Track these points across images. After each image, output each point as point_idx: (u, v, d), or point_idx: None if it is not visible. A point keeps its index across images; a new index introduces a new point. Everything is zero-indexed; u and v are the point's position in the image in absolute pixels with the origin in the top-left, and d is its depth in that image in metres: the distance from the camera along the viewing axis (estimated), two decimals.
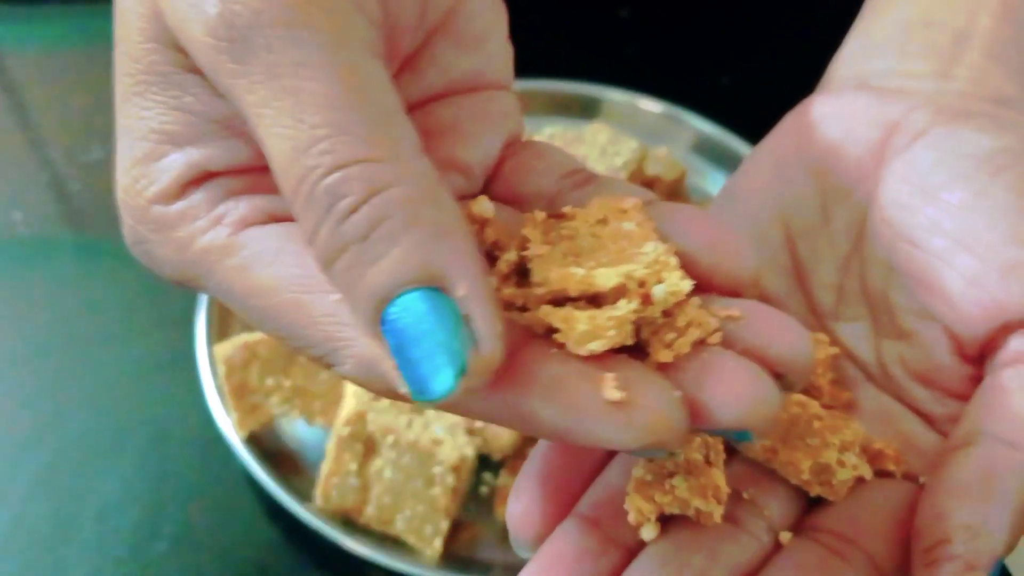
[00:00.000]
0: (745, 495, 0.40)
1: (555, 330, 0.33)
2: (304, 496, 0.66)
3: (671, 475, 0.38)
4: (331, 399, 0.68)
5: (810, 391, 0.43)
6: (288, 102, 0.31)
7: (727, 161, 0.83)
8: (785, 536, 0.39)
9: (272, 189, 0.34)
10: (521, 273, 0.36)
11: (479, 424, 0.66)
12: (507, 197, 0.40)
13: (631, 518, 0.38)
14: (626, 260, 0.35)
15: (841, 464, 0.40)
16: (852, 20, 0.53)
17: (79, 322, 0.78)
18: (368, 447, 0.64)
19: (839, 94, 0.48)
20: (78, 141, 0.89)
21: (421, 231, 0.30)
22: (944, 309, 0.43)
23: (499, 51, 0.42)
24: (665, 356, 0.34)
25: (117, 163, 0.37)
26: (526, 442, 0.67)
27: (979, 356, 0.43)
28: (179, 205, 0.36)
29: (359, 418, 0.63)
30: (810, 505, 0.41)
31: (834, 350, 0.45)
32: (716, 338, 0.35)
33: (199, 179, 0.36)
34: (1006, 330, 0.41)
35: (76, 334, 0.77)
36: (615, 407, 0.31)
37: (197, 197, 0.36)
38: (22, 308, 0.79)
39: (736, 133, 0.84)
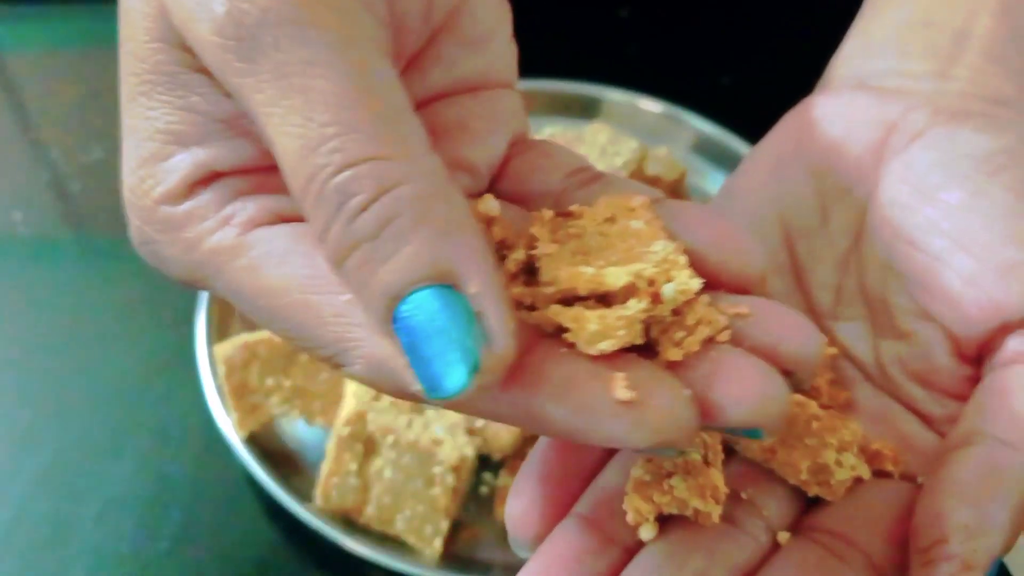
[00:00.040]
0: (743, 495, 0.40)
1: (564, 329, 0.33)
2: (304, 496, 0.66)
3: (669, 475, 0.38)
4: (331, 399, 0.68)
5: (808, 391, 0.43)
6: (297, 101, 0.31)
7: (727, 161, 0.83)
8: (783, 536, 0.39)
9: (280, 189, 0.34)
10: (528, 272, 0.36)
11: (479, 424, 0.66)
12: (513, 196, 0.40)
13: (630, 518, 0.38)
14: (635, 259, 0.35)
15: (839, 464, 0.40)
16: (852, 20, 0.53)
17: (79, 322, 0.78)
18: (368, 447, 0.64)
19: (838, 94, 0.48)
20: (78, 141, 0.89)
21: (432, 228, 0.30)
22: (942, 309, 0.43)
23: (504, 50, 0.42)
24: (675, 355, 0.34)
25: (123, 163, 0.37)
26: (526, 442, 0.67)
27: (977, 356, 0.43)
28: (186, 205, 0.36)
29: (359, 418, 0.63)
30: (808, 505, 0.41)
31: (832, 350, 0.45)
32: (725, 336, 0.35)
33: (206, 179, 0.36)
34: (1004, 330, 0.41)
35: (76, 334, 0.77)
36: (626, 407, 0.31)
37: (205, 197, 0.35)
38: (22, 308, 0.79)
39: (736, 133, 0.84)
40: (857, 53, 0.51)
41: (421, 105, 0.40)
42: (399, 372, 0.32)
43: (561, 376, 0.32)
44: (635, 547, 0.38)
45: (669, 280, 0.34)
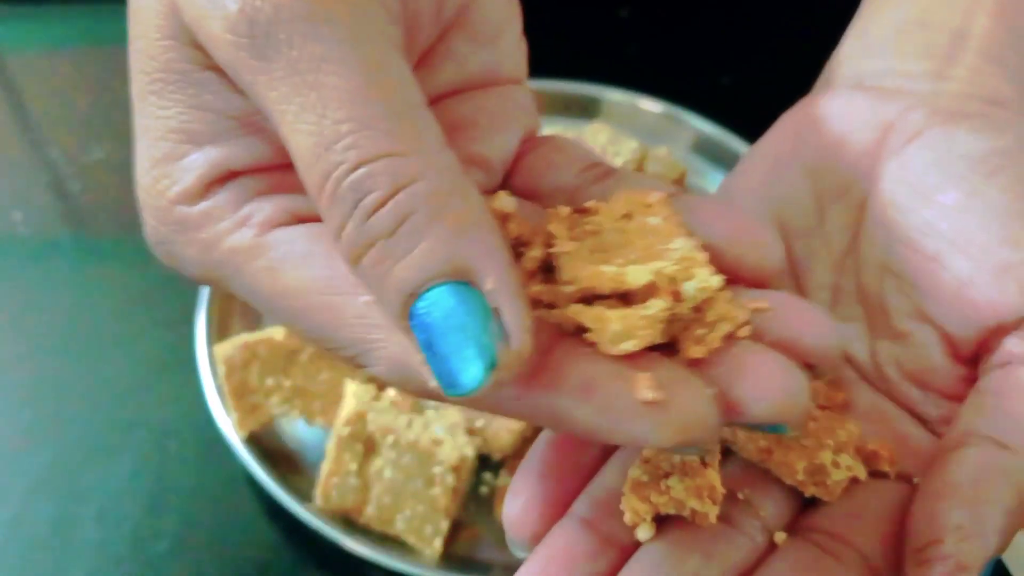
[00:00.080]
0: (740, 496, 0.40)
1: (585, 328, 0.33)
2: (304, 496, 0.66)
3: (667, 475, 0.38)
4: (331, 399, 0.68)
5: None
6: (311, 97, 0.31)
7: (727, 161, 0.83)
8: (780, 536, 0.39)
9: (296, 188, 0.34)
10: (545, 269, 0.36)
11: (479, 424, 0.66)
12: (526, 192, 0.40)
13: (627, 518, 0.38)
14: (654, 256, 0.34)
15: (836, 465, 0.39)
16: (851, 20, 0.53)
17: (79, 322, 0.78)
18: (368, 447, 0.64)
19: (835, 94, 0.48)
20: (78, 141, 0.89)
21: (447, 225, 0.30)
22: (938, 310, 0.43)
23: (514, 46, 0.42)
24: (697, 352, 0.34)
25: (136, 162, 0.37)
26: (526, 442, 0.67)
27: (973, 357, 0.43)
28: (203, 205, 0.36)
29: (359, 418, 0.63)
30: (805, 505, 0.41)
31: None
32: (745, 331, 0.34)
33: (222, 178, 0.36)
34: (1000, 331, 0.41)
35: (76, 334, 0.78)
36: (649, 406, 0.31)
37: (221, 197, 0.35)
38: (22, 308, 0.79)
39: (736, 133, 0.84)
40: (855, 53, 0.51)
41: (432, 102, 0.40)
42: (417, 368, 0.32)
43: (584, 376, 0.32)
44: (632, 547, 0.38)
45: (689, 278, 0.34)
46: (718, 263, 0.35)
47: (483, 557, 0.66)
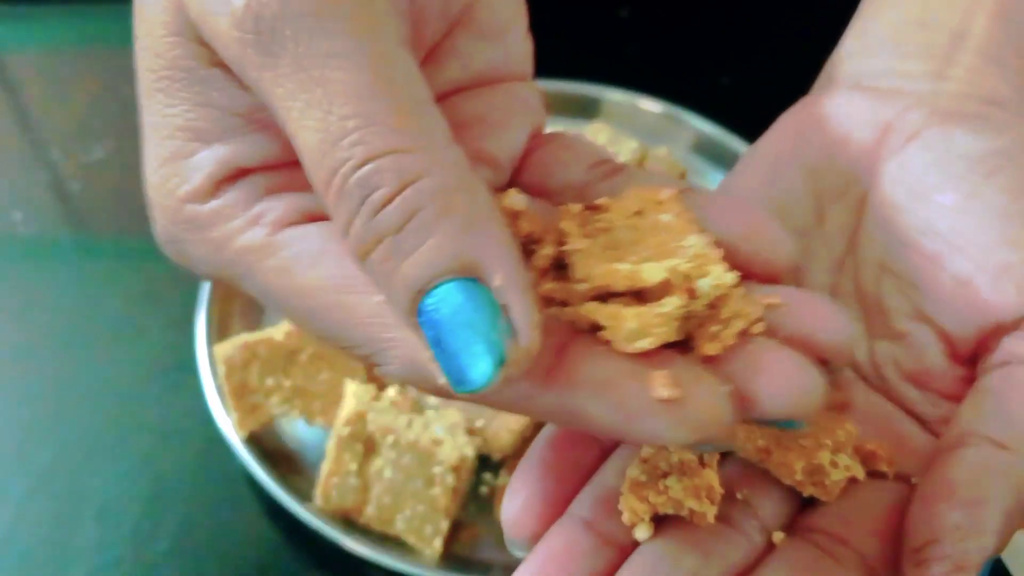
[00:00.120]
0: (738, 495, 0.40)
1: (599, 326, 0.33)
2: (304, 496, 0.66)
3: (665, 475, 0.38)
4: (331, 399, 0.68)
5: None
6: (317, 94, 0.31)
7: (727, 161, 0.83)
8: (778, 536, 0.39)
9: (306, 186, 0.33)
10: (557, 267, 0.36)
11: (479, 424, 0.66)
12: (535, 189, 0.40)
13: (625, 518, 0.38)
14: (668, 254, 0.35)
15: (834, 465, 0.39)
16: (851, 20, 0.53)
17: (79, 322, 0.78)
18: (368, 447, 0.64)
19: (834, 94, 0.48)
20: (78, 141, 0.89)
21: (455, 221, 0.30)
22: (937, 310, 0.43)
23: (520, 42, 0.42)
24: (712, 349, 0.34)
25: (145, 161, 0.37)
26: (526, 442, 0.67)
27: (971, 357, 0.43)
28: (213, 204, 0.35)
29: (359, 418, 0.63)
30: (803, 505, 0.41)
31: None
32: (759, 327, 0.35)
33: (232, 176, 0.36)
34: (998, 332, 0.41)
35: (76, 334, 0.78)
36: (666, 405, 0.31)
37: (232, 196, 0.35)
38: (22, 308, 0.79)
39: (736, 133, 0.84)
40: (854, 53, 0.51)
41: (440, 99, 0.40)
42: (426, 365, 0.32)
43: (600, 374, 0.32)
44: (630, 547, 0.38)
45: (704, 275, 0.34)
46: (730, 259, 0.35)
47: (483, 557, 0.66)
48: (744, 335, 0.34)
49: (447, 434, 0.64)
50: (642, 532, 0.38)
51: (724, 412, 0.32)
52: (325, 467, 0.65)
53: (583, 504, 0.39)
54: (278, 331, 0.67)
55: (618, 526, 0.38)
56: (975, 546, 0.36)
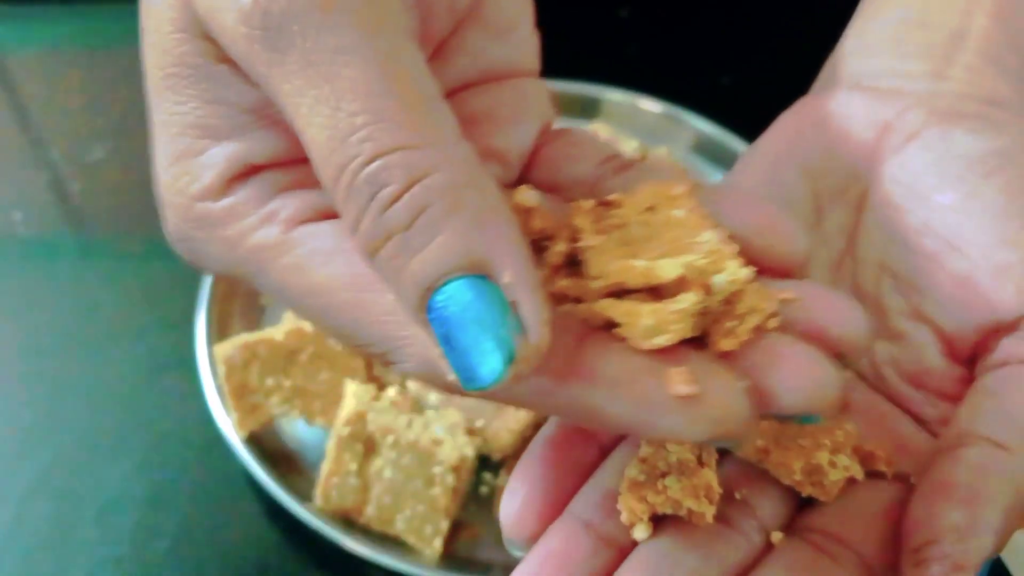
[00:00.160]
0: (737, 495, 0.40)
1: (615, 322, 0.33)
2: (304, 496, 0.66)
3: (664, 475, 0.38)
4: (331, 399, 0.68)
5: None
6: (325, 90, 0.31)
7: (727, 161, 0.83)
8: (777, 536, 0.39)
9: (319, 183, 0.33)
10: (570, 263, 0.36)
11: (479, 424, 0.66)
12: (545, 185, 0.40)
13: (624, 518, 0.38)
14: (682, 249, 0.34)
15: (833, 465, 0.39)
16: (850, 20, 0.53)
17: (79, 322, 0.78)
18: (368, 447, 0.64)
19: (833, 94, 0.48)
20: (78, 141, 0.89)
21: (464, 218, 0.30)
22: (936, 310, 0.43)
23: (527, 38, 0.42)
24: (728, 344, 0.34)
25: (155, 159, 0.37)
26: (526, 442, 0.67)
27: (970, 357, 0.43)
28: (226, 202, 0.35)
29: (359, 418, 0.63)
30: (802, 505, 0.41)
31: None
32: (774, 322, 0.35)
33: (243, 174, 0.35)
34: (997, 332, 0.41)
35: (76, 334, 0.77)
36: (684, 401, 0.31)
37: (244, 193, 0.35)
38: (22, 308, 0.79)
39: (736, 133, 0.84)
40: (853, 53, 0.51)
41: (448, 95, 0.40)
42: (436, 362, 0.31)
43: (617, 371, 0.32)
44: (629, 547, 0.38)
45: (719, 270, 0.34)
46: (744, 254, 0.35)
47: (483, 557, 0.66)
48: (759, 330, 0.34)
49: (447, 434, 0.64)
50: (641, 532, 0.38)
51: (742, 408, 0.32)
52: (325, 467, 0.65)
53: (582, 504, 0.39)
54: (278, 331, 0.67)
55: (617, 526, 0.38)
56: (974, 546, 0.36)
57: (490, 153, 0.39)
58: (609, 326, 0.34)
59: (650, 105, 0.86)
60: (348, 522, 0.65)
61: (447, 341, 0.31)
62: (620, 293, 0.34)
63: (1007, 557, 0.47)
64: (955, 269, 0.42)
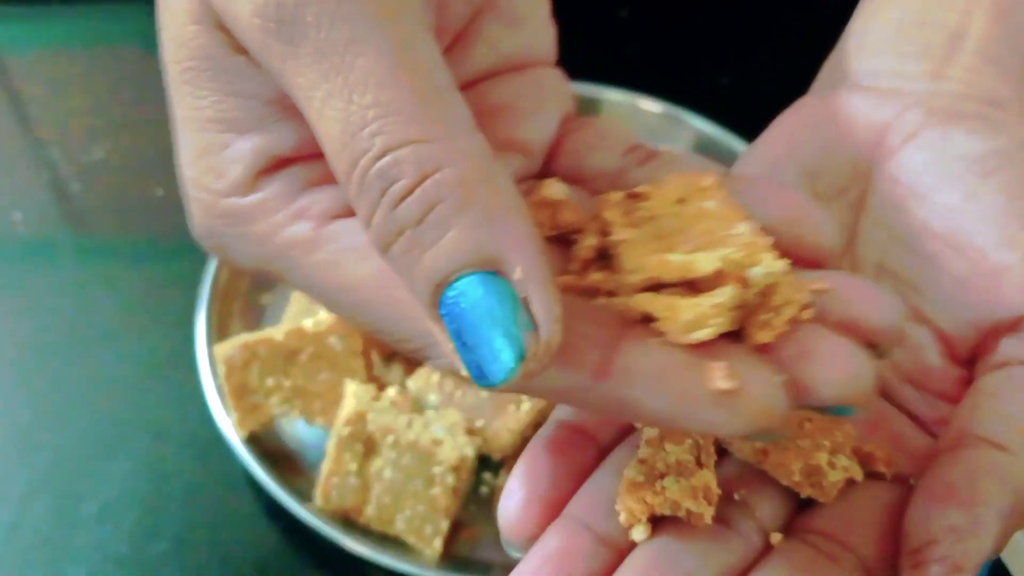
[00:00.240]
0: (736, 496, 0.40)
1: (652, 317, 0.33)
2: (304, 496, 0.66)
3: (662, 476, 0.38)
4: (331, 399, 0.68)
5: None
6: (338, 82, 0.31)
7: (727, 161, 0.82)
8: (776, 537, 0.39)
9: None
10: (600, 256, 0.36)
11: (479, 424, 0.66)
12: (569, 176, 0.39)
13: (622, 519, 0.38)
14: (717, 242, 0.34)
15: (832, 466, 0.39)
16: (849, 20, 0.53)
17: (79, 322, 0.78)
18: (368, 447, 0.64)
19: (832, 94, 0.48)
20: (78, 141, 0.89)
21: (475, 213, 0.30)
22: (935, 311, 0.43)
23: (543, 27, 0.41)
24: (764, 337, 0.34)
25: (180, 155, 0.36)
26: (526, 442, 0.67)
27: (970, 358, 0.43)
28: (255, 197, 0.35)
29: (359, 418, 0.63)
30: (801, 506, 0.41)
31: None
32: (808, 314, 0.34)
33: (270, 168, 0.35)
34: (996, 332, 0.41)
35: (76, 334, 0.77)
36: (723, 396, 0.31)
37: (273, 188, 0.35)
38: (22, 308, 0.79)
39: (736, 133, 0.84)
40: (853, 53, 0.50)
41: (467, 86, 0.40)
42: (449, 357, 0.31)
43: (656, 367, 0.32)
44: (627, 548, 0.38)
45: (756, 263, 0.34)
46: (775, 244, 0.35)
47: (483, 557, 0.66)
48: (794, 322, 0.34)
49: (447, 434, 0.64)
50: (639, 533, 0.38)
51: (780, 402, 0.32)
52: (325, 467, 0.65)
53: (580, 505, 0.39)
54: (278, 331, 0.67)
55: (615, 527, 0.38)
56: (973, 547, 0.36)
57: (512, 144, 0.39)
58: (646, 320, 0.33)
59: (650, 105, 0.86)
60: (348, 522, 0.65)
61: (459, 337, 0.30)
62: (655, 287, 0.34)
63: (1007, 558, 0.47)
64: (955, 270, 0.42)
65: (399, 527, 0.65)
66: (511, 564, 0.37)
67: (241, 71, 0.34)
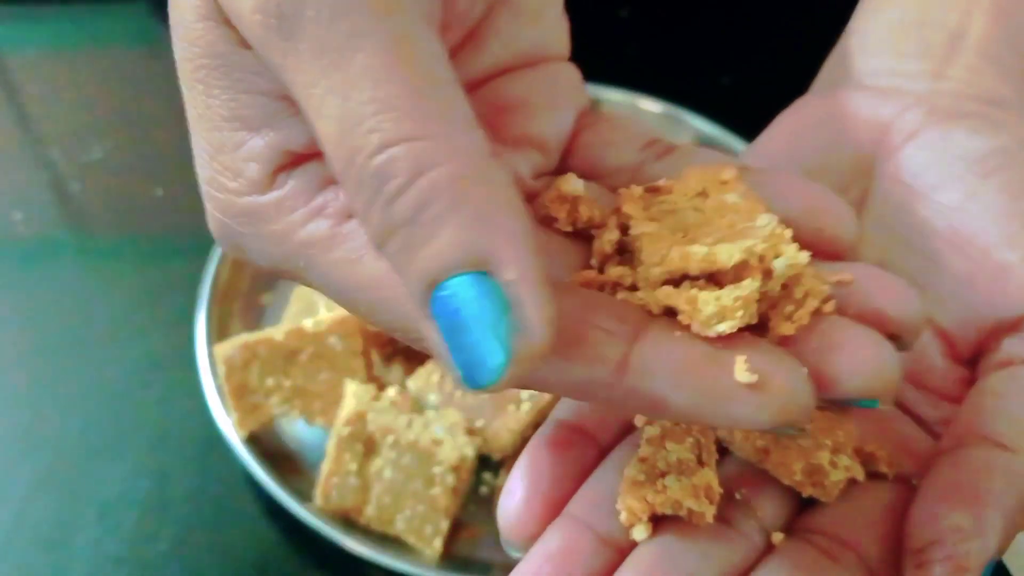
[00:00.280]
0: (737, 495, 0.40)
1: (674, 310, 0.33)
2: (304, 496, 0.66)
3: (663, 475, 0.38)
4: (331, 399, 0.68)
5: None
6: (337, 79, 0.30)
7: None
8: (777, 537, 0.39)
9: None
10: (620, 251, 0.36)
11: (479, 424, 0.66)
12: (586, 171, 0.39)
13: (623, 518, 0.38)
14: (738, 235, 0.34)
15: (833, 465, 0.39)
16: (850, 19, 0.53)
17: (79, 322, 0.78)
18: (368, 447, 0.64)
19: (833, 93, 0.48)
20: (78, 141, 0.89)
21: (468, 213, 0.29)
22: (936, 311, 0.43)
23: (558, 22, 0.41)
24: (788, 329, 0.34)
25: (195, 154, 0.36)
26: (526, 442, 0.67)
27: (972, 358, 0.43)
28: (272, 196, 0.35)
29: (359, 418, 0.63)
30: (802, 506, 0.41)
31: None
32: (830, 306, 0.35)
33: (286, 164, 0.35)
34: (998, 332, 0.41)
35: (76, 334, 0.77)
36: (748, 389, 0.31)
37: (290, 186, 0.35)
38: (22, 308, 0.79)
39: (736, 133, 0.84)
40: (852, 52, 0.50)
41: (482, 82, 0.40)
42: (442, 357, 0.31)
43: (680, 360, 0.32)
44: (628, 547, 0.38)
45: (778, 255, 0.34)
46: (796, 237, 0.35)
47: (483, 557, 0.66)
48: (817, 314, 0.34)
49: (447, 434, 0.64)
50: (640, 532, 0.38)
51: (805, 394, 0.32)
52: (325, 467, 0.65)
53: (581, 504, 0.39)
54: (278, 331, 0.67)
55: (616, 526, 0.38)
56: (977, 547, 0.36)
57: (528, 140, 0.39)
58: (668, 314, 0.33)
59: (650, 105, 0.86)
60: (348, 522, 0.65)
61: (450, 337, 0.30)
62: (677, 280, 0.34)
63: (1009, 559, 0.47)
64: (956, 269, 0.42)
65: (399, 527, 0.65)
66: (511, 564, 0.37)
67: (250, 67, 0.34)
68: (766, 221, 0.35)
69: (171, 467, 0.71)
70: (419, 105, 0.30)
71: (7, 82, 0.94)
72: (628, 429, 0.41)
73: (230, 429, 0.67)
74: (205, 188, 0.36)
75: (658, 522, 0.38)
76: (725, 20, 0.98)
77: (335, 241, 0.34)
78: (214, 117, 0.35)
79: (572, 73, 0.41)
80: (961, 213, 0.42)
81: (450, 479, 0.63)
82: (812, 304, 0.34)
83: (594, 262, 0.37)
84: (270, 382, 0.67)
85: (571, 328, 0.32)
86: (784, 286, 0.34)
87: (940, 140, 0.44)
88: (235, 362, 0.67)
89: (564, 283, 0.37)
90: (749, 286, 0.33)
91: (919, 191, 0.43)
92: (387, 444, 0.63)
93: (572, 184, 0.36)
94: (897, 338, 0.35)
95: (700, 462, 0.38)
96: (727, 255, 0.33)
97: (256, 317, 0.75)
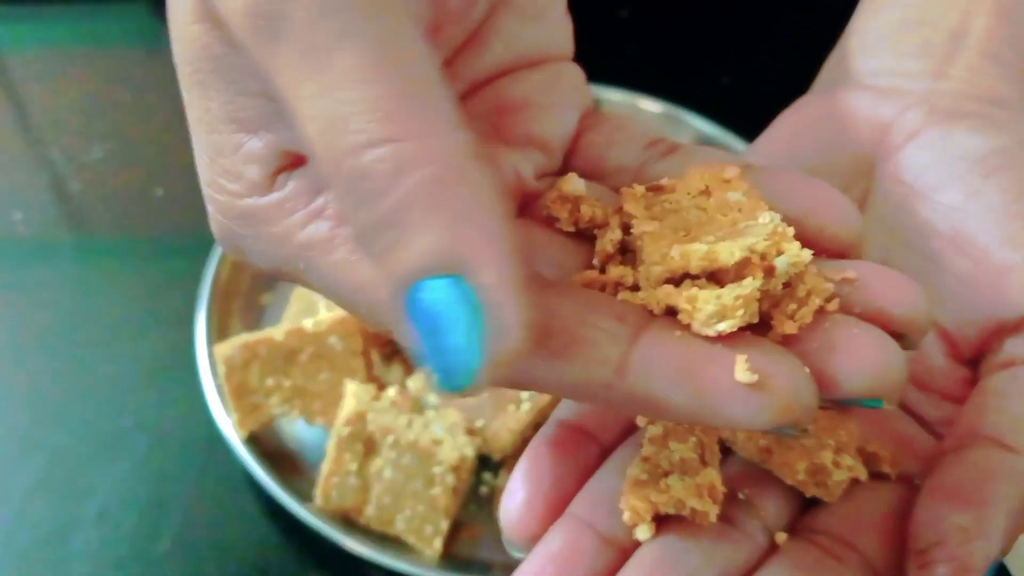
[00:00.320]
0: (741, 495, 0.40)
1: (675, 309, 0.33)
2: (304, 496, 0.66)
3: (666, 474, 0.38)
4: (331, 399, 0.68)
5: None
6: (322, 79, 0.30)
7: None
8: (781, 537, 0.39)
9: None
10: (622, 251, 0.36)
11: (479, 424, 0.66)
12: (589, 171, 0.39)
13: (626, 518, 0.38)
14: (740, 233, 0.34)
15: (836, 465, 0.39)
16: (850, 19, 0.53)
17: (79, 322, 0.78)
18: (368, 447, 0.64)
19: (833, 93, 0.48)
20: (78, 141, 0.89)
21: (445, 216, 0.29)
22: (938, 311, 0.42)
23: (561, 22, 0.41)
24: (790, 328, 0.34)
25: (196, 158, 0.36)
26: (526, 442, 0.67)
27: (974, 359, 0.43)
28: (272, 197, 0.35)
29: (359, 418, 0.63)
30: (806, 506, 0.40)
31: None
32: (834, 305, 0.34)
33: (286, 165, 0.35)
34: (1000, 332, 0.41)
35: (76, 334, 0.77)
36: (748, 389, 0.31)
37: (290, 188, 0.35)
38: (22, 308, 0.79)
39: (736, 133, 0.84)
40: (853, 52, 0.50)
41: (485, 82, 0.39)
42: (419, 359, 0.31)
43: (679, 360, 0.32)
44: (631, 547, 0.38)
45: (780, 253, 0.33)
46: (799, 235, 0.35)
47: (483, 557, 0.66)
48: (820, 313, 0.34)
49: (447, 434, 0.64)
50: (643, 532, 0.37)
51: (807, 394, 0.32)
52: (325, 467, 0.65)
53: (583, 504, 0.39)
54: (278, 331, 0.67)
55: (619, 526, 0.38)
56: (980, 547, 0.36)
57: (531, 140, 0.39)
58: (670, 313, 0.33)
59: (650, 105, 0.86)
60: (348, 522, 0.65)
61: (425, 340, 0.30)
62: (677, 279, 0.34)
63: (1010, 561, 0.47)
64: (958, 269, 0.42)
65: (399, 527, 0.65)
66: (512, 564, 0.37)
67: (245, 68, 0.34)
68: (768, 219, 0.35)
69: (171, 467, 0.71)
70: (403, 105, 0.30)
71: (7, 82, 0.94)
72: (630, 429, 0.41)
73: (230, 429, 0.67)
74: (206, 190, 0.36)
75: (661, 522, 0.38)
76: (725, 20, 0.98)
77: (335, 243, 0.34)
78: (212, 119, 0.35)
79: (575, 73, 0.41)
80: (962, 213, 0.42)
81: (450, 479, 0.63)
82: (815, 303, 0.34)
83: (596, 262, 0.37)
84: (270, 382, 0.67)
85: (570, 329, 0.32)
86: (787, 284, 0.34)
87: (941, 140, 0.44)
88: (235, 362, 0.67)
89: (565, 283, 0.37)
90: (750, 285, 0.33)
91: (920, 191, 0.43)
92: (387, 444, 0.63)
93: (573, 184, 0.36)
94: (902, 337, 0.34)
95: (703, 461, 0.38)
96: (728, 253, 0.33)
97: (256, 317, 0.75)
